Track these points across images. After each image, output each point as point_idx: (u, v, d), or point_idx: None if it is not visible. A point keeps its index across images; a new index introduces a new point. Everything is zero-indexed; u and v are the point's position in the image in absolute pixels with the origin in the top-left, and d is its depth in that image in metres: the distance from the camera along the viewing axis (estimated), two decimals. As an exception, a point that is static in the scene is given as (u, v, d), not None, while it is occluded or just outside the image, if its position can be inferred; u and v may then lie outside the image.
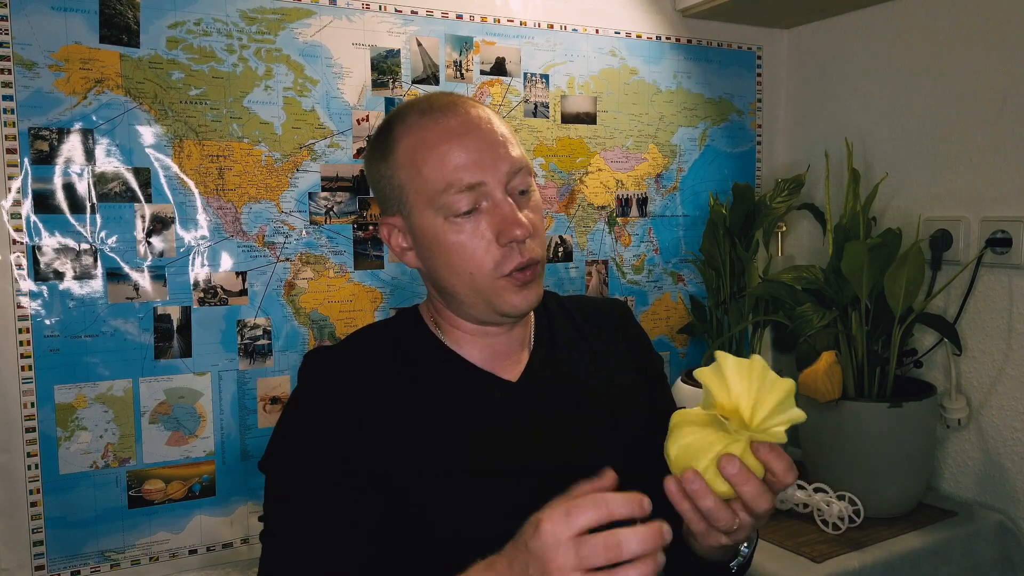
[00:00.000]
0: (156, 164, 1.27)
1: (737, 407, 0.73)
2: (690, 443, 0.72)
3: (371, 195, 1.44)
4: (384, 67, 1.44)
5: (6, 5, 1.16)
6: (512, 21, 1.55)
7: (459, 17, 1.50)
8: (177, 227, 1.30)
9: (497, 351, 0.94)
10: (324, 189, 1.40)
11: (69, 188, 1.22)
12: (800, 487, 1.40)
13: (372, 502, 0.84)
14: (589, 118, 1.65)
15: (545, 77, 1.59)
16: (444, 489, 0.85)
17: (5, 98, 1.17)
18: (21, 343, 1.20)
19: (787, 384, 0.72)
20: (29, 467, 1.21)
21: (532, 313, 0.99)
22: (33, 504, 1.22)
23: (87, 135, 1.23)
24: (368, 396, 0.88)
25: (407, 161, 0.87)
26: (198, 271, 1.31)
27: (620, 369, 1.00)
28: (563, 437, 0.89)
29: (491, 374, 0.93)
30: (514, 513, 0.71)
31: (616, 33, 1.67)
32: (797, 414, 0.72)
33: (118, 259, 1.26)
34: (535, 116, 1.59)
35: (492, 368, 0.93)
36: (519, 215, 0.85)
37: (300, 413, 0.89)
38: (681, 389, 1.60)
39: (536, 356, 0.96)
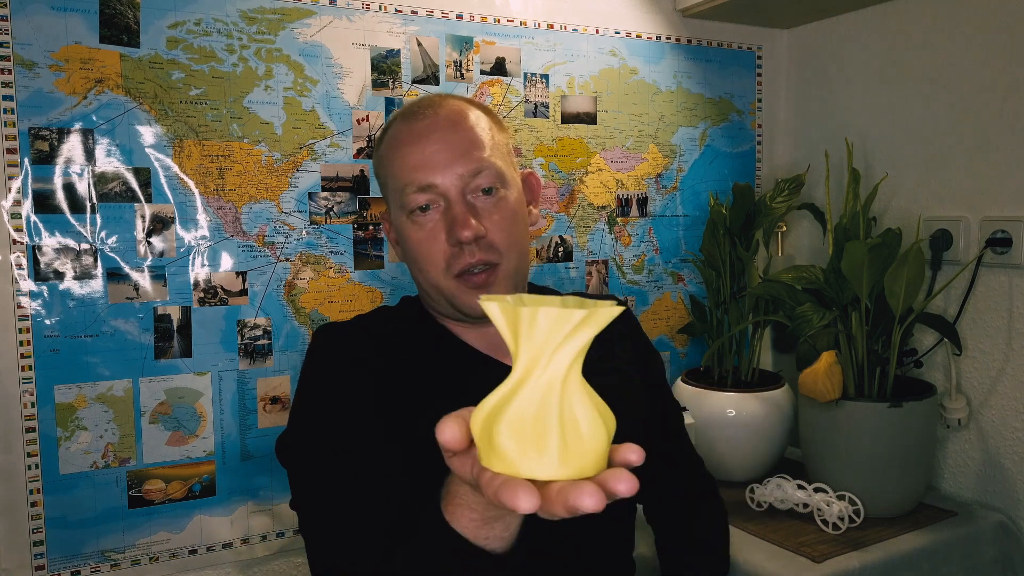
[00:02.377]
0: (156, 164, 1.27)
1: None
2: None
3: (371, 195, 1.44)
4: (384, 67, 1.44)
5: (6, 5, 1.16)
6: (512, 21, 1.55)
7: (459, 17, 1.50)
8: (177, 227, 1.30)
9: (495, 341, 0.95)
10: (324, 189, 1.40)
11: (69, 188, 1.22)
12: (800, 487, 1.40)
13: (396, 447, 0.84)
14: (589, 118, 1.65)
15: (545, 77, 1.59)
16: (440, 470, 0.85)
17: (5, 98, 1.17)
18: (21, 343, 1.20)
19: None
20: (29, 467, 1.21)
21: None
22: (33, 504, 1.22)
23: (87, 135, 1.23)
24: (376, 368, 0.89)
25: (385, 160, 0.93)
26: (198, 271, 1.31)
27: (621, 367, 1.00)
28: None
29: (493, 359, 0.95)
30: None
31: (616, 33, 1.67)
32: None
33: (118, 259, 1.26)
34: (535, 116, 1.59)
35: (494, 354, 0.95)
36: (468, 217, 0.86)
37: (321, 370, 0.90)
38: (681, 389, 1.60)
39: None
